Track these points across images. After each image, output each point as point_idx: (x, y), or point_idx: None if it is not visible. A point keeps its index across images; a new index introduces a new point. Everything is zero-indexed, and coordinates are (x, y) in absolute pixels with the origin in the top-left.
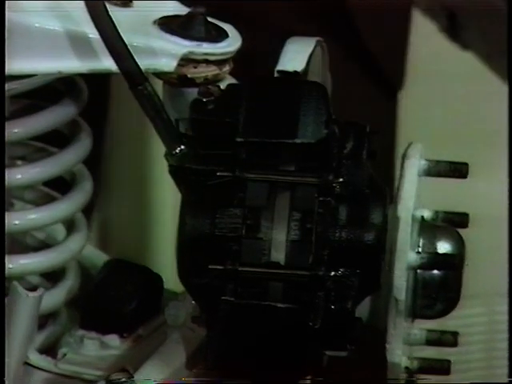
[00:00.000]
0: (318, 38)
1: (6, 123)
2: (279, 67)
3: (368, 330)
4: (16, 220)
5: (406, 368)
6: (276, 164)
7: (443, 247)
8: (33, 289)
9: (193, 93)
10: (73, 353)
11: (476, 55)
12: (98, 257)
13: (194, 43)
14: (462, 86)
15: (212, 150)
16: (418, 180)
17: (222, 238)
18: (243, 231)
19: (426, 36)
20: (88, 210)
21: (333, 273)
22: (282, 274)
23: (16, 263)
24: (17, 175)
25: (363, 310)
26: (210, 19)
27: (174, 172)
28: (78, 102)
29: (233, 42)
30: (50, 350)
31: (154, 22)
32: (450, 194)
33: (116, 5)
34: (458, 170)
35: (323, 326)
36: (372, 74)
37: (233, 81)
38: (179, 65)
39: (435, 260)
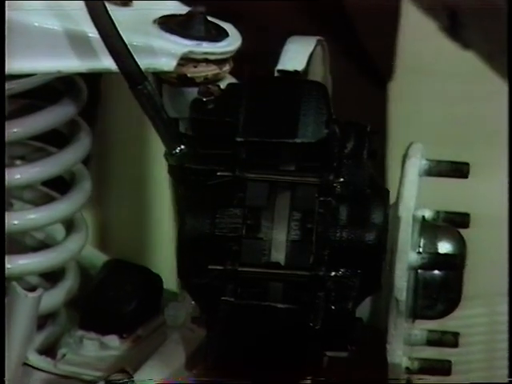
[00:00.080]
0: (318, 38)
1: (5, 123)
2: (279, 66)
3: (368, 331)
4: (15, 220)
5: (407, 368)
6: (276, 164)
7: (444, 247)
8: (32, 289)
9: (193, 92)
10: (72, 353)
11: (477, 54)
12: (97, 257)
13: (194, 42)
14: (456, 84)
15: (212, 149)
16: (418, 180)
17: (221, 238)
18: (243, 231)
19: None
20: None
21: (333, 273)
22: (282, 274)
23: (15, 263)
24: (16, 175)
25: (364, 310)
26: (209, 18)
27: (174, 172)
28: (78, 101)
29: (233, 42)
30: (49, 350)
31: (154, 22)
32: (450, 194)
33: (116, 4)
34: (458, 170)
35: (323, 326)
36: (360, 63)
37: (233, 80)
38: (179, 64)
39: (436, 260)
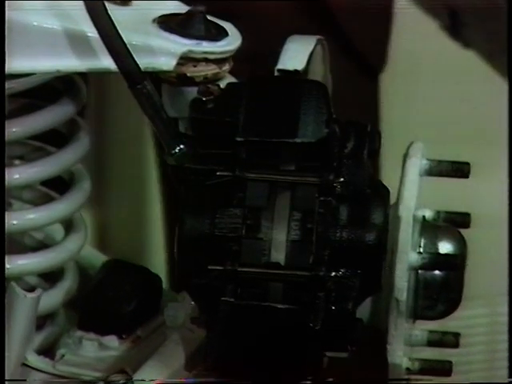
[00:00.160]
0: (318, 37)
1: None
2: (279, 66)
3: (369, 331)
4: (14, 220)
5: (407, 369)
6: (276, 163)
7: (445, 247)
8: (31, 289)
9: (192, 92)
10: (71, 354)
11: (478, 53)
12: (96, 257)
13: (194, 42)
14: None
15: (212, 149)
16: (419, 180)
17: (221, 238)
18: (243, 231)
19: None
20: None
21: (333, 273)
22: (282, 274)
23: (14, 263)
24: (15, 175)
25: (364, 310)
26: (209, 18)
27: (174, 172)
28: (77, 101)
29: (233, 41)
30: (48, 350)
31: (154, 21)
32: (451, 194)
33: (115, 3)
34: (459, 170)
35: (324, 326)
36: (348, 52)
37: (233, 80)
38: (179, 63)
39: (437, 260)
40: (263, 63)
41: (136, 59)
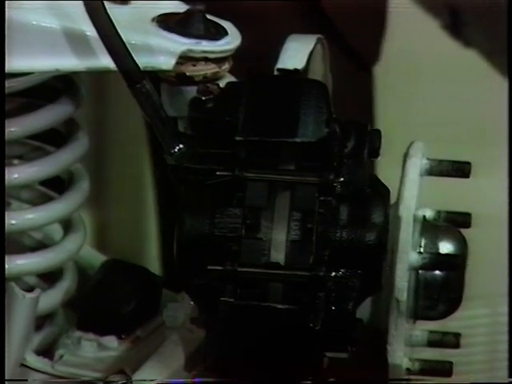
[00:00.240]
0: (318, 36)
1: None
2: (279, 65)
3: (369, 331)
4: (13, 220)
5: (408, 369)
6: (276, 163)
7: (445, 247)
8: (30, 289)
9: (192, 91)
10: (70, 354)
11: (478, 52)
12: (95, 257)
13: (193, 41)
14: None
15: (211, 148)
16: (419, 179)
17: (221, 238)
18: (243, 231)
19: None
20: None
21: (333, 273)
22: (282, 274)
23: (13, 263)
24: (14, 174)
25: (364, 310)
26: (209, 17)
27: (173, 171)
28: (76, 100)
29: (232, 40)
30: (47, 351)
31: (153, 20)
32: (451, 194)
33: (114, 2)
34: (460, 170)
35: (324, 327)
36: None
37: (232, 79)
38: (178, 63)
39: (437, 260)
40: (259, 62)
41: (135, 58)
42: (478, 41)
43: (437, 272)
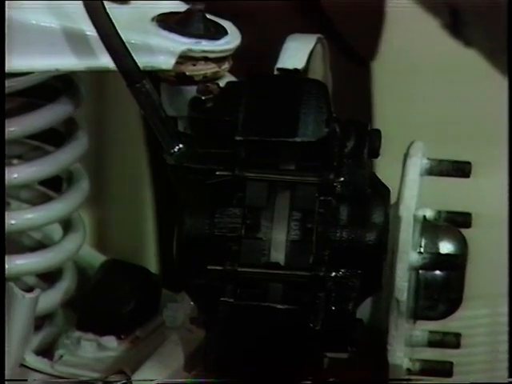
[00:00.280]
0: (318, 35)
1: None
2: (279, 65)
3: (369, 332)
4: (12, 220)
5: (408, 370)
6: (276, 163)
7: (445, 247)
8: (29, 290)
9: (191, 91)
10: (69, 354)
11: (479, 52)
12: (94, 257)
13: (193, 40)
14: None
15: (211, 148)
16: (420, 179)
17: (221, 238)
18: (243, 231)
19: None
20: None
21: (333, 273)
22: (282, 274)
23: (12, 263)
24: (13, 174)
25: (364, 311)
26: (208, 16)
27: (173, 171)
28: (75, 100)
29: (232, 40)
30: (46, 351)
31: (152, 19)
32: (452, 193)
33: (114, 2)
34: (460, 169)
35: (324, 327)
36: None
37: (232, 78)
38: (178, 62)
39: (437, 260)
40: (259, 62)
41: (135, 58)
42: (478, 40)
43: (437, 272)
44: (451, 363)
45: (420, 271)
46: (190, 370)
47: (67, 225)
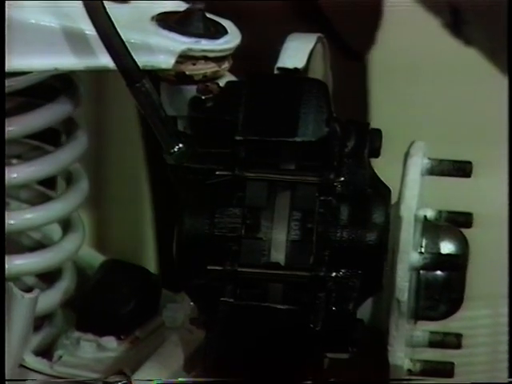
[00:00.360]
0: (318, 35)
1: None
2: (279, 64)
3: (369, 332)
4: (11, 220)
5: (409, 370)
6: (276, 163)
7: (446, 247)
8: (28, 290)
9: (191, 90)
10: (69, 355)
11: (479, 51)
12: (94, 257)
13: (193, 40)
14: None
15: (211, 148)
16: (420, 179)
17: (221, 238)
18: (243, 231)
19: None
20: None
21: (334, 273)
22: (282, 274)
23: (11, 264)
24: (12, 174)
25: (365, 311)
26: (208, 15)
27: (172, 171)
28: (74, 99)
29: (232, 39)
30: (45, 352)
31: (152, 19)
32: (452, 193)
33: (113, 1)
34: (461, 169)
35: (324, 327)
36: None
37: (232, 78)
38: (177, 62)
39: (438, 260)
40: (259, 61)
41: (134, 57)
42: (478, 39)
43: (438, 272)
44: (452, 364)
45: (421, 271)
46: (189, 371)
47: (66, 225)
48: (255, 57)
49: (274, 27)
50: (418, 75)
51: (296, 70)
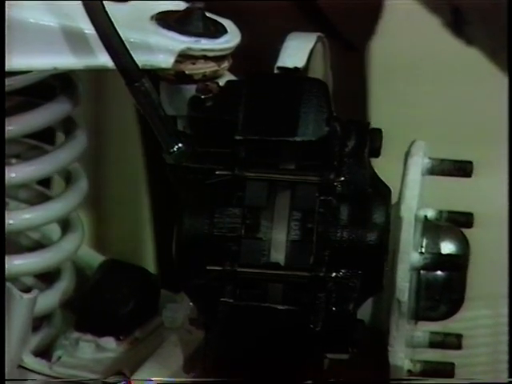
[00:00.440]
0: (318, 34)
1: None
2: (279, 63)
3: (370, 333)
4: (10, 220)
5: (409, 371)
6: (276, 162)
7: (447, 247)
8: (27, 290)
9: (191, 90)
10: (68, 355)
11: (480, 51)
12: (93, 257)
13: (192, 39)
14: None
15: (210, 148)
16: (421, 179)
17: (220, 238)
18: (242, 231)
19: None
20: None
21: (334, 274)
22: (282, 274)
23: (10, 264)
24: (11, 174)
25: (365, 311)
26: (208, 14)
27: (172, 171)
28: (73, 99)
29: (232, 38)
30: (44, 352)
31: (152, 18)
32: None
33: (113, 0)
34: (462, 169)
35: (324, 328)
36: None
37: (232, 77)
38: (177, 61)
39: (439, 261)
40: (258, 61)
41: (134, 57)
42: (479, 39)
43: (438, 272)
44: (453, 364)
45: (421, 272)
46: (189, 371)
47: (65, 225)
48: (255, 56)
49: (274, 25)
50: (418, 75)
51: (296, 69)
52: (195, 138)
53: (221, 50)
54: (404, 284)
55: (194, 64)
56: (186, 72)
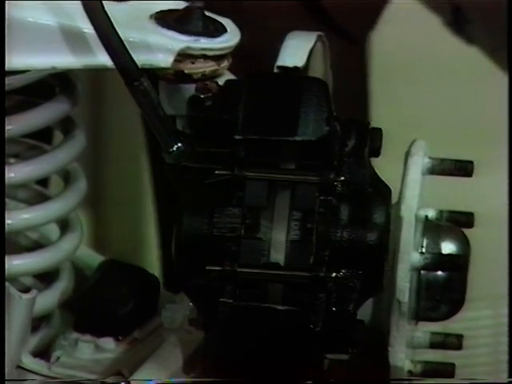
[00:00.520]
0: (318, 33)
1: None
2: (279, 63)
3: (370, 333)
4: (9, 220)
5: (409, 372)
6: (276, 162)
7: (447, 247)
8: (26, 290)
9: (190, 89)
10: (67, 356)
11: (481, 50)
12: (92, 257)
13: (192, 38)
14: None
15: (210, 147)
16: (421, 179)
17: (220, 238)
18: (242, 231)
19: None
20: None
21: (334, 274)
22: (282, 275)
23: (9, 264)
24: (10, 173)
25: (365, 312)
26: (207, 14)
27: (171, 170)
28: (72, 98)
29: (231, 37)
30: (43, 352)
31: (151, 17)
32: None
33: None
34: (462, 169)
35: (324, 328)
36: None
37: (231, 77)
38: (176, 60)
39: (439, 261)
40: (258, 60)
41: (133, 56)
42: (480, 38)
43: (439, 272)
44: (453, 365)
45: (422, 272)
46: (188, 372)
47: (64, 225)
48: (255, 55)
49: (274, 24)
50: (418, 74)
51: (296, 68)
52: (194, 137)
53: (220, 49)
54: (404, 284)
55: (193, 63)
56: (186, 71)
